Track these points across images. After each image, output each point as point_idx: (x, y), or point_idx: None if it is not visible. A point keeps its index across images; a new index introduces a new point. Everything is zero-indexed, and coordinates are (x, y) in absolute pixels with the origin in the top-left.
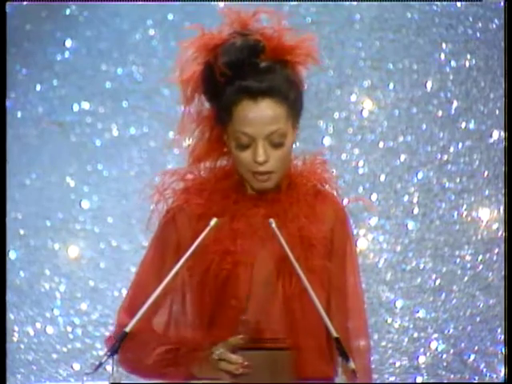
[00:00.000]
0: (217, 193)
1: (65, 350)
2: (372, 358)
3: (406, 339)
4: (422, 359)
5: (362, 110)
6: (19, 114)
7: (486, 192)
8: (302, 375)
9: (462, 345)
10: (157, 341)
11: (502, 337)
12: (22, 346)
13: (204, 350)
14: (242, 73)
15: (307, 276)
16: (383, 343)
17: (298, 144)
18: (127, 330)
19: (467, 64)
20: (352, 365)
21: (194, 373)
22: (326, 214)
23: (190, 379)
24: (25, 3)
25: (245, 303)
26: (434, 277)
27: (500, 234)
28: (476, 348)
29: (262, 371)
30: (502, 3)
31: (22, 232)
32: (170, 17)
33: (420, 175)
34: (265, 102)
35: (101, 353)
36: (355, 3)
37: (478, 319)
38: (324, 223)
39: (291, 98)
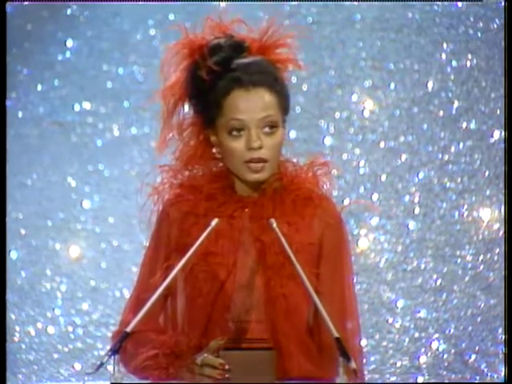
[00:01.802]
0: (204, 194)
1: (66, 349)
2: (373, 358)
3: (407, 339)
4: (423, 359)
5: (363, 110)
6: (20, 114)
7: (487, 192)
8: (286, 375)
9: (463, 345)
10: (149, 343)
11: (503, 337)
12: (23, 346)
13: (187, 356)
14: (231, 67)
15: (290, 282)
16: (384, 343)
17: (298, 144)
18: (128, 330)
19: (468, 64)
20: (353, 364)
21: (177, 379)
22: (315, 220)
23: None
24: (26, 3)
25: (227, 304)
26: (434, 277)
27: (501, 233)
28: (477, 348)
29: (245, 371)
30: (503, 3)
31: (23, 232)
32: (171, 17)
33: (421, 175)
34: (255, 90)
35: (102, 353)
36: (356, 3)
37: (478, 319)
38: (312, 229)
39: (278, 91)
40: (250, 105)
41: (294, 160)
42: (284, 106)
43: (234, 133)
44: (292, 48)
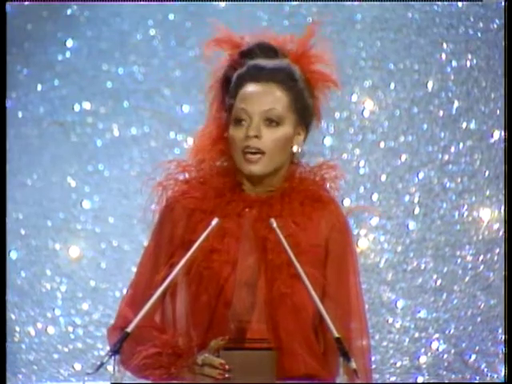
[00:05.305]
0: (212, 190)
1: (66, 350)
2: (373, 358)
3: (407, 339)
4: (423, 359)
5: (363, 110)
6: (20, 114)
7: (487, 192)
8: (291, 373)
9: (463, 345)
10: (149, 341)
11: (503, 337)
12: (24, 346)
13: (188, 356)
14: (252, 60)
15: (296, 281)
16: (384, 343)
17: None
18: (129, 330)
19: (468, 64)
20: (353, 364)
21: (178, 378)
22: (322, 222)
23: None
24: (26, 3)
25: (228, 303)
26: (435, 277)
27: (501, 234)
28: (477, 348)
29: (245, 371)
30: (503, 3)
31: (23, 232)
32: (171, 17)
33: (421, 175)
34: (267, 84)
35: (102, 353)
36: (356, 3)
37: (478, 319)
38: (319, 231)
39: (293, 92)
40: (257, 96)
41: (302, 161)
42: (298, 108)
43: (238, 122)
44: (328, 64)
